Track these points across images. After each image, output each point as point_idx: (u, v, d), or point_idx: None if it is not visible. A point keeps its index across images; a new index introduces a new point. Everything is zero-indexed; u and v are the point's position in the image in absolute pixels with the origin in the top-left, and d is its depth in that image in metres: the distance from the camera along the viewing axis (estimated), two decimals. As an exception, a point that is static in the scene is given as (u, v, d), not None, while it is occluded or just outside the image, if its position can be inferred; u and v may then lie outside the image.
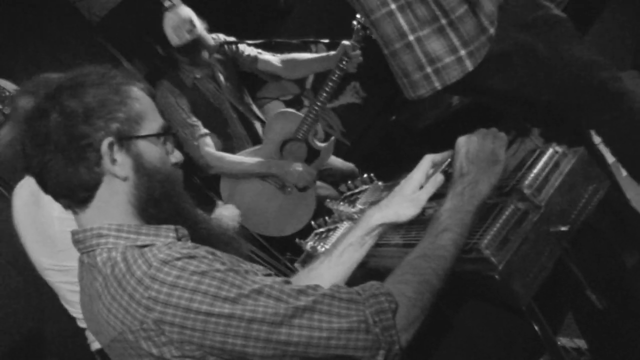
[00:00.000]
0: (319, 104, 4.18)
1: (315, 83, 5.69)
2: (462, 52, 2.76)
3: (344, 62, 4.06)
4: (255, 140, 4.51)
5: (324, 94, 4.14)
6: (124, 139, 1.81)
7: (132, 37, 5.29)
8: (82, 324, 3.18)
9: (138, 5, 5.46)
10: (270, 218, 4.41)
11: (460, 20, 2.75)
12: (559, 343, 2.23)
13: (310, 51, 4.86)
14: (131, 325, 1.66)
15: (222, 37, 4.51)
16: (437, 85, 2.83)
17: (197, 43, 4.25)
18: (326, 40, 4.49)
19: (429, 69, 2.81)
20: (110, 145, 1.78)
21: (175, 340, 1.63)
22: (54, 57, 5.06)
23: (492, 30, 2.78)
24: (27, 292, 4.70)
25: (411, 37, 2.78)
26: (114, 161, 1.79)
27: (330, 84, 4.11)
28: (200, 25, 4.26)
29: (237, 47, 4.57)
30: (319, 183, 4.55)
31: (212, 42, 4.34)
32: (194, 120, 4.31)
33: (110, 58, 5.27)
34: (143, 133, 1.85)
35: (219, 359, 1.66)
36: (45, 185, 1.84)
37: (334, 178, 4.69)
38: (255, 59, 4.58)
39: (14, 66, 4.83)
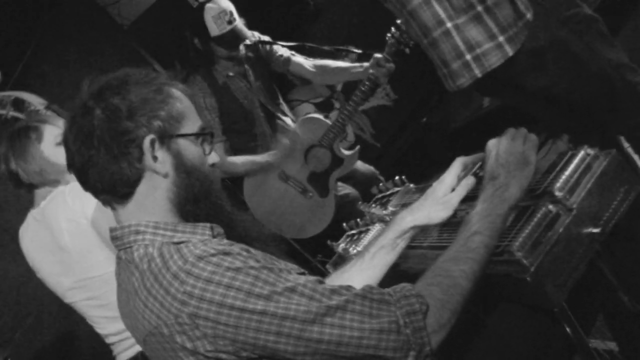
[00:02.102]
0: (346, 113, 4.18)
1: (346, 86, 5.70)
2: (501, 38, 2.76)
3: (374, 75, 4.05)
4: None
5: (352, 104, 4.14)
6: (165, 137, 1.85)
7: (163, 40, 5.33)
8: (109, 340, 3.21)
9: (168, 8, 5.51)
10: (289, 220, 4.44)
11: (497, 6, 2.75)
12: (590, 345, 2.22)
13: (340, 59, 4.87)
14: (166, 319, 1.69)
15: (257, 35, 4.53)
16: (477, 72, 2.82)
17: (235, 34, 4.28)
18: (359, 51, 4.48)
19: (468, 57, 2.80)
20: (152, 142, 1.82)
21: (209, 334, 1.65)
22: (85, 61, 5.10)
23: (529, 16, 2.78)
24: (56, 296, 4.75)
25: (449, 25, 2.78)
26: (155, 158, 1.83)
27: (359, 94, 4.10)
28: (239, 18, 4.30)
29: (271, 47, 4.59)
30: (338, 183, 4.56)
31: (249, 35, 4.36)
32: (216, 122, 4.34)
33: (141, 61, 5.32)
34: (183, 132, 1.89)
35: (251, 355, 1.68)
36: (87, 181, 1.87)
37: (354, 180, 4.70)
38: (288, 61, 4.60)
39: (46, 70, 4.89)
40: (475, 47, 2.78)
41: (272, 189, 4.45)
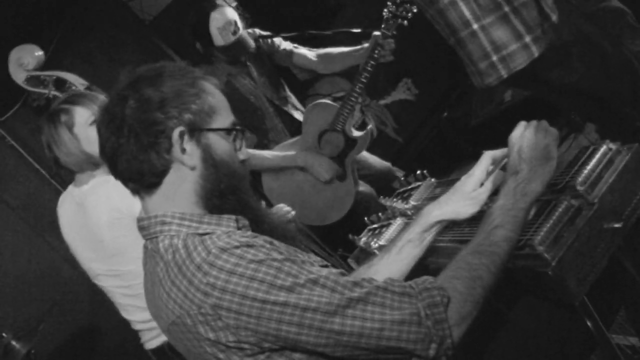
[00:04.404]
0: (354, 94, 4.18)
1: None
2: (527, 39, 2.77)
3: (376, 53, 4.06)
4: (296, 132, 4.55)
5: (359, 84, 4.14)
6: (195, 130, 1.86)
7: (185, 35, 5.36)
8: (135, 327, 3.24)
9: (190, 3, 5.52)
10: (311, 208, 4.46)
11: (524, 7, 2.76)
12: (612, 340, 2.22)
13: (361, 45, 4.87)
14: (189, 309, 1.71)
15: (257, 31, 4.54)
16: (504, 73, 2.83)
17: (239, 45, 4.30)
18: (358, 30, 4.48)
19: (494, 57, 2.81)
20: (181, 134, 1.84)
21: (231, 325, 1.67)
22: (107, 56, 5.14)
23: (554, 18, 2.78)
24: (82, 288, 4.78)
25: (475, 26, 2.79)
26: (183, 150, 1.85)
27: (364, 74, 4.11)
28: (242, 27, 4.31)
29: (272, 41, 4.60)
30: None
31: (252, 45, 4.38)
32: None
33: (163, 56, 5.34)
34: (214, 126, 1.90)
35: (273, 346, 1.70)
36: (116, 169, 1.89)
37: (372, 177, 4.70)
38: (290, 53, 4.61)
39: (69, 64, 4.91)
40: (502, 48, 2.79)
41: (291, 179, 4.47)
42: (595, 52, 2.78)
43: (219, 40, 4.24)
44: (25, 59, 3.60)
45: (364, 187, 4.62)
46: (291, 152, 4.42)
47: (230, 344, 1.70)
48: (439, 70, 5.69)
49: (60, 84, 3.50)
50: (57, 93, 3.48)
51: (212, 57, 4.41)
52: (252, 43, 4.37)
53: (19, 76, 3.60)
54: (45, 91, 3.50)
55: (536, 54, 2.77)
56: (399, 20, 3.97)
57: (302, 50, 4.64)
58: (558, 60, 2.79)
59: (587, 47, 2.78)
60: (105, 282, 3.20)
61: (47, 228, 4.85)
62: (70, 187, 3.25)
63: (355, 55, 4.38)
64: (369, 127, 4.44)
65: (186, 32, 4.45)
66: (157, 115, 1.82)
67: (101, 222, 3.00)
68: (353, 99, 4.21)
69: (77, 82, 3.48)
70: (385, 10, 3.98)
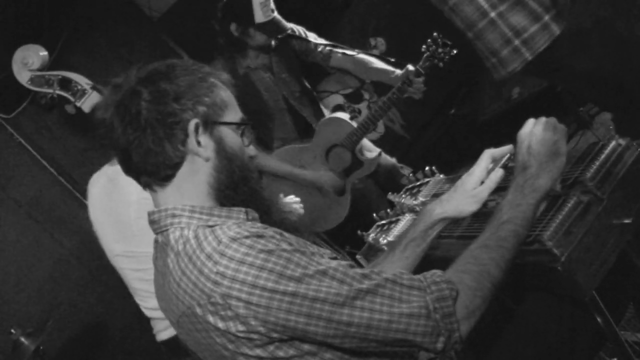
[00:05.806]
0: (372, 118, 4.17)
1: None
2: (547, 17, 2.77)
3: (404, 86, 4.03)
4: (303, 131, 4.56)
5: (378, 110, 4.13)
6: (209, 123, 1.89)
7: (192, 32, 5.36)
8: (148, 313, 3.25)
9: (198, 0, 5.53)
10: (306, 213, 4.44)
11: None
12: (621, 337, 2.22)
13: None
14: (199, 299, 1.72)
15: (291, 25, 4.49)
16: (528, 55, 2.84)
17: (277, 23, 4.25)
18: (392, 60, 4.44)
19: (517, 42, 2.82)
20: (197, 127, 1.86)
21: (240, 315, 1.68)
22: (115, 53, 5.15)
23: None
24: (91, 285, 4.80)
25: (493, 14, 2.79)
26: (198, 142, 1.87)
27: (386, 101, 4.08)
28: None
29: (307, 42, 4.56)
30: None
31: (288, 27, 4.32)
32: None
33: (170, 53, 5.35)
34: (226, 120, 1.93)
35: (282, 336, 1.71)
36: (129, 162, 1.90)
37: (375, 172, 4.68)
38: (328, 56, 4.57)
39: (77, 61, 4.93)
40: (522, 31, 2.80)
41: (288, 181, 4.46)
42: (614, 38, 2.78)
43: (259, 15, 4.17)
44: (30, 59, 3.60)
45: (364, 183, 4.61)
46: (297, 170, 4.44)
47: (239, 334, 1.71)
48: (446, 68, 5.68)
49: (65, 83, 3.50)
50: (62, 92, 3.48)
51: (244, 41, 4.37)
52: (287, 25, 4.32)
53: (23, 76, 3.61)
54: (50, 91, 3.51)
55: (557, 32, 2.77)
56: (435, 61, 3.93)
57: (339, 54, 4.59)
58: (578, 46, 2.79)
59: (606, 33, 2.78)
60: (122, 264, 3.21)
61: (54, 225, 4.88)
62: (106, 166, 3.28)
63: (388, 75, 4.31)
64: (379, 151, 4.42)
65: (216, 16, 4.39)
66: (173, 107, 1.84)
67: (131, 200, 3.02)
68: (369, 122, 4.19)
69: (82, 81, 3.48)
70: (424, 46, 3.92)
